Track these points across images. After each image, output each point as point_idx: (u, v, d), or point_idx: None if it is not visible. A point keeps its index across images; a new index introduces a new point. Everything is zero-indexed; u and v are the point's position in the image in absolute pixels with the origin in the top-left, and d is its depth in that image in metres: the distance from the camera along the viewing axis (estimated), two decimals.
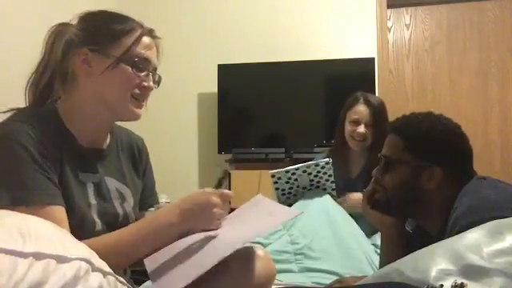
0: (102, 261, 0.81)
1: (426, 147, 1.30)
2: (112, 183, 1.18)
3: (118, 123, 1.27)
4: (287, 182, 2.13)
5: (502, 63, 3.45)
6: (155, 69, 1.18)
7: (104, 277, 0.78)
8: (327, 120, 3.24)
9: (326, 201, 2.01)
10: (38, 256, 0.68)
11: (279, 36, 3.51)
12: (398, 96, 3.56)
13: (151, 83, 1.15)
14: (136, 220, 1.20)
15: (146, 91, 1.14)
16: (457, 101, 3.48)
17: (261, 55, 3.43)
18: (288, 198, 2.16)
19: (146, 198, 1.30)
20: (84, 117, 1.12)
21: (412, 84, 3.57)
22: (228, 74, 3.42)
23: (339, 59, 3.35)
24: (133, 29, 1.13)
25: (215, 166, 3.48)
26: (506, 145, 3.41)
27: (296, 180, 2.12)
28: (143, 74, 1.12)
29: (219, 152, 3.37)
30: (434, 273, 0.80)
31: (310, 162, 2.09)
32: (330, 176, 2.08)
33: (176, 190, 3.38)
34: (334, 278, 1.64)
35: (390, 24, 3.61)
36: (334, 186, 2.12)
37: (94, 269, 0.76)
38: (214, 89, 3.44)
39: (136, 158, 1.29)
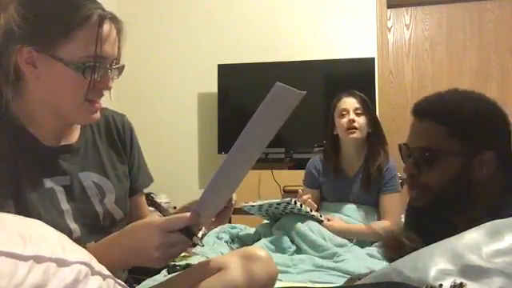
0: (101, 264, 0.81)
1: (475, 131, 1.13)
2: (89, 178, 1.07)
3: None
4: (259, 211, 2.16)
5: (502, 63, 3.45)
6: (116, 58, 1.00)
7: (103, 280, 0.77)
8: (327, 120, 3.24)
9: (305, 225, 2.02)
10: (38, 259, 0.68)
11: (279, 36, 3.51)
12: (398, 96, 3.57)
13: (110, 82, 0.99)
14: (126, 210, 1.13)
15: (102, 93, 1.00)
16: None
17: (261, 55, 3.43)
18: (269, 216, 2.20)
19: (134, 182, 1.19)
20: (40, 119, 1.00)
21: (412, 84, 3.57)
22: (228, 73, 3.42)
23: (339, 59, 3.35)
24: (88, 16, 0.93)
25: (215, 166, 3.47)
26: None
27: (267, 210, 2.14)
28: (99, 74, 0.95)
29: (219, 152, 3.37)
30: (433, 273, 0.80)
31: (273, 201, 2.07)
32: (299, 210, 2.06)
33: (176, 190, 3.39)
34: (333, 273, 1.64)
35: (390, 24, 3.61)
36: (311, 213, 2.08)
37: (94, 272, 0.76)
38: (214, 89, 3.44)
39: (116, 141, 1.16)
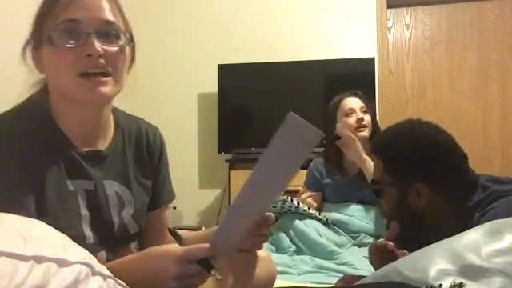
0: (101, 264, 0.81)
1: (403, 165, 1.22)
2: (112, 187, 1.05)
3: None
4: None
5: (502, 63, 3.45)
6: (106, 21, 0.93)
7: (104, 280, 0.78)
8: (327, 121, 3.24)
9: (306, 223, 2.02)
10: (38, 259, 0.68)
11: (279, 36, 3.51)
12: (398, 96, 3.57)
13: (95, 47, 0.90)
14: (142, 224, 1.11)
15: (94, 61, 0.91)
16: (457, 101, 3.48)
17: (261, 55, 3.43)
18: None
19: (157, 196, 1.17)
20: (63, 115, 0.98)
21: (412, 84, 3.57)
22: (228, 73, 3.42)
23: (339, 59, 3.35)
24: None
25: (215, 166, 3.48)
26: (506, 145, 3.41)
27: None
28: (78, 42, 0.90)
29: (219, 152, 3.38)
30: (433, 273, 0.80)
31: None
32: (296, 208, 2.05)
33: (176, 190, 3.37)
34: (333, 274, 1.65)
35: (390, 24, 3.61)
36: (309, 211, 2.07)
37: (94, 272, 0.76)
38: (214, 89, 3.44)
39: (144, 154, 1.14)
